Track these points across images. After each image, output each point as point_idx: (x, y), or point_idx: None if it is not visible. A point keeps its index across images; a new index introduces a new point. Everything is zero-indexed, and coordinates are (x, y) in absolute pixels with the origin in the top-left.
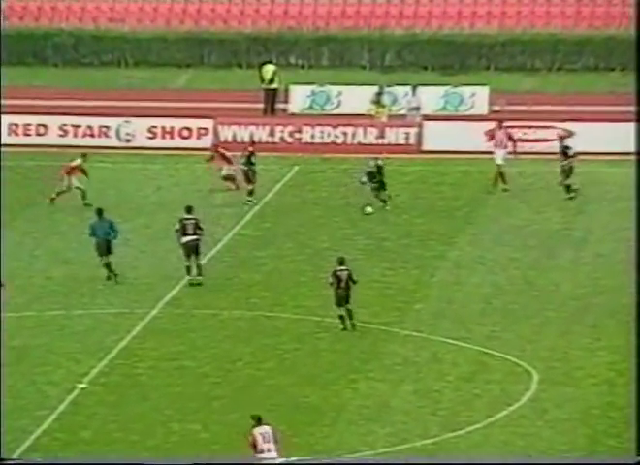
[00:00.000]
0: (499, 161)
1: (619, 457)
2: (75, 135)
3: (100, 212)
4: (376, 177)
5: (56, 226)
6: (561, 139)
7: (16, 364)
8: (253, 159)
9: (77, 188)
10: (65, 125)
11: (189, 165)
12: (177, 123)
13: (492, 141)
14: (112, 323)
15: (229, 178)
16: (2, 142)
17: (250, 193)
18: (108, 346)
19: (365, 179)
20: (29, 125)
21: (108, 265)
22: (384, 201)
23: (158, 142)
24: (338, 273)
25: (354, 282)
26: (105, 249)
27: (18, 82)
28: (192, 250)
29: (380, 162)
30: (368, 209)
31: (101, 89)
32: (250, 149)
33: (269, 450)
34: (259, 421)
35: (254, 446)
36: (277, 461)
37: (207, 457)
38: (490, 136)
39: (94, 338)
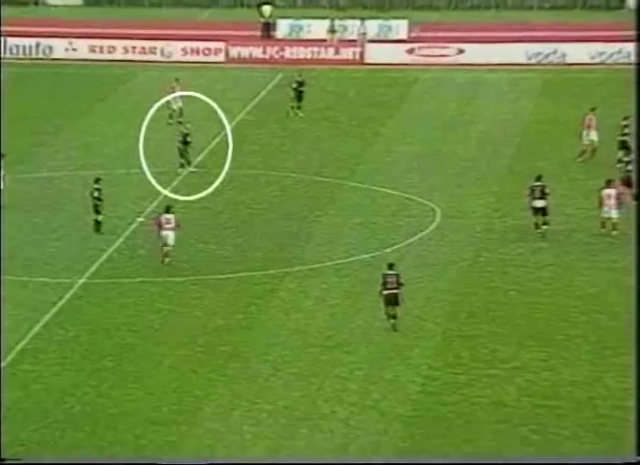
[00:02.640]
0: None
1: (619, 457)
2: (133, 52)
3: None
4: None
5: None
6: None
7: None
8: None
9: None
10: (126, 46)
11: (210, 73)
12: None
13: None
14: (159, 179)
15: None
16: None
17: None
18: (155, 194)
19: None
20: (102, 46)
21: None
22: None
23: (189, 58)
24: None
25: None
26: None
27: (98, 18)
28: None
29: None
30: None
31: (150, 22)
32: None
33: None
34: None
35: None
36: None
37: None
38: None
39: (147, 188)
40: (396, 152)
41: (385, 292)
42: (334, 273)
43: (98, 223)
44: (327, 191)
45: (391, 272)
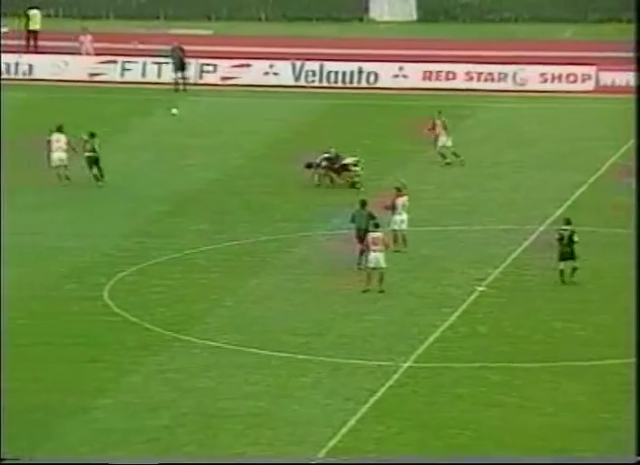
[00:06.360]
0: None
1: (619, 457)
2: (478, 79)
3: (363, 203)
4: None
5: None
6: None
7: (423, 270)
8: None
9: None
10: (470, 72)
11: (575, 106)
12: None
13: None
14: (505, 237)
15: None
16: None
17: None
18: (501, 256)
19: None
20: (440, 72)
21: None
22: None
23: (548, 86)
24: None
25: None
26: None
27: (434, 36)
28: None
29: None
30: None
31: (500, 42)
32: None
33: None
34: None
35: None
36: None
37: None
38: None
39: (490, 250)
40: None
41: (560, 247)
42: None
43: None
44: None
45: (566, 227)
